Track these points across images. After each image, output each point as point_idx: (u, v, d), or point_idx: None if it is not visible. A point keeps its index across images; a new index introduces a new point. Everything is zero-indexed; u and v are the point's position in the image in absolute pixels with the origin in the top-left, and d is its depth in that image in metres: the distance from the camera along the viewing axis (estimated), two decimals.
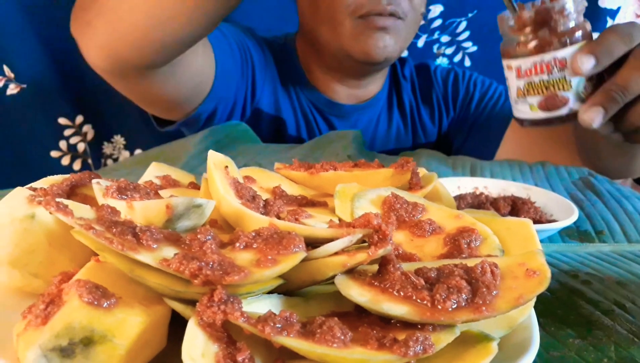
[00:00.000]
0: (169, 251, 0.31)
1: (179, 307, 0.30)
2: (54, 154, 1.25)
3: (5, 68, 1.15)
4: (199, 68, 0.88)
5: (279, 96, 1.09)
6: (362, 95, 1.12)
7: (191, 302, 0.30)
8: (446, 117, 1.16)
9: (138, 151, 1.28)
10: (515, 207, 0.65)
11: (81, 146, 1.29)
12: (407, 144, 1.15)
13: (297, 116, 1.10)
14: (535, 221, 0.62)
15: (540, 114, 0.65)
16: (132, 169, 0.75)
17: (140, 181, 0.47)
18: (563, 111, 0.64)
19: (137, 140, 1.27)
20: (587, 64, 0.60)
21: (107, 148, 1.29)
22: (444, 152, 1.04)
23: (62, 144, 1.27)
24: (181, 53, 0.80)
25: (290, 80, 1.10)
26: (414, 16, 0.99)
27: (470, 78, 1.18)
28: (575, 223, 0.66)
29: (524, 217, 0.60)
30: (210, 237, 0.32)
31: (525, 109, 0.67)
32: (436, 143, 1.16)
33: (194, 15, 0.73)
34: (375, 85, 1.12)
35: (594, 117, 0.61)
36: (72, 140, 1.28)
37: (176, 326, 0.31)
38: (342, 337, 0.29)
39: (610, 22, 1.40)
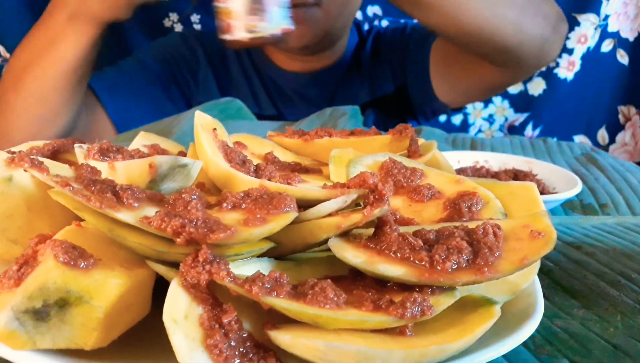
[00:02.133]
0: (151, 211, 0.29)
1: (162, 269, 0.28)
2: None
3: (1, 48, 1.13)
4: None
5: (235, 81, 1.13)
6: (322, 64, 1.12)
7: (175, 265, 0.28)
8: (399, 68, 1.15)
9: None
10: (517, 179, 0.63)
11: None
12: (365, 99, 1.14)
13: (260, 95, 1.13)
14: None
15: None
16: (123, 145, 0.73)
17: None
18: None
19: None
20: None
21: None
22: (404, 105, 1.07)
23: None
24: None
25: (250, 62, 1.13)
26: None
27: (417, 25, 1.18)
28: (578, 196, 0.65)
29: None
30: (195, 197, 0.30)
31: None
32: (394, 94, 1.15)
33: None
34: (335, 54, 1.12)
35: None
36: None
37: (162, 293, 0.29)
38: (336, 299, 0.27)
39: (605, 3, 1.37)
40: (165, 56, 1.11)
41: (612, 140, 1.53)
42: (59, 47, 0.85)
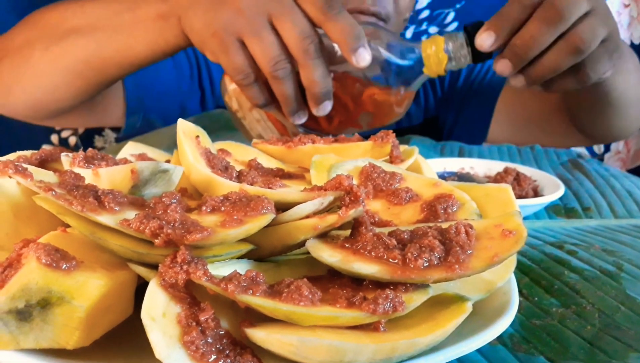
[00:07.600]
0: (132, 214, 0.30)
1: (143, 271, 0.29)
2: (46, 148, 1.25)
3: None
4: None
5: None
6: None
7: (156, 267, 0.29)
8: (433, 99, 1.13)
9: None
10: (517, 182, 0.64)
11: (72, 140, 1.29)
12: (389, 129, 1.12)
13: None
14: (521, 197, 0.61)
15: None
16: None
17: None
18: None
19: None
20: (488, 41, 0.60)
21: (98, 141, 1.28)
22: (431, 135, 1.03)
23: (54, 137, 1.27)
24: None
25: None
26: (396, 20, 0.98)
27: None
28: (561, 200, 0.66)
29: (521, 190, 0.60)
30: (175, 200, 0.31)
31: None
32: (422, 125, 1.14)
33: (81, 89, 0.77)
34: None
35: (504, 68, 0.62)
36: (64, 134, 1.27)
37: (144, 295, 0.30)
38: (310, 296, 0.28)
39: None
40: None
41: (607, 148, 1.55)
42: (130, 35, 0.69)
